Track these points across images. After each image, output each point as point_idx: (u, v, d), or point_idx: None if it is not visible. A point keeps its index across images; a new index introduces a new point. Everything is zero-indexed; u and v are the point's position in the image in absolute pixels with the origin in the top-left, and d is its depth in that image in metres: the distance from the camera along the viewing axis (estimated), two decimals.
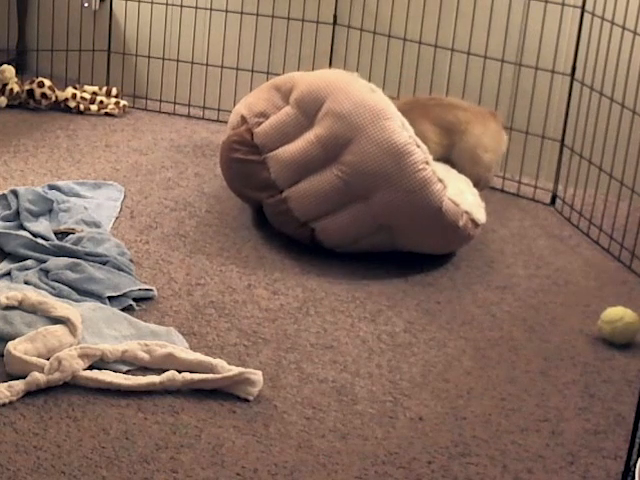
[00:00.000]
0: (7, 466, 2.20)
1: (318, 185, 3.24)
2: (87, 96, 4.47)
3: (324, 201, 3.24)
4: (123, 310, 2.87)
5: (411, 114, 3.58)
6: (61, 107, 4.45)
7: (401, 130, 3.19)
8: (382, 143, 3.17)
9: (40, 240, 3.13)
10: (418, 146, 3.19)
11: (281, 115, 3.36)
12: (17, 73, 4.52)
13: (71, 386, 2.49)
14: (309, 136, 3.28)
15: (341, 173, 3.21)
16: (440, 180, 3.20)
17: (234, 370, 2.55)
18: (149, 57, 4.63)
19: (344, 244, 3.29)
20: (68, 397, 2.46)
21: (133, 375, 2.56)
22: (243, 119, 3.45)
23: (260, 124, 3.39)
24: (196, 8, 4.52)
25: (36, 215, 3.32)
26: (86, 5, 4.74)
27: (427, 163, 3.19)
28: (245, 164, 3.41)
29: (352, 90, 3.26)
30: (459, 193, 3.41)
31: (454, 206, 3.23)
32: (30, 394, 2.45)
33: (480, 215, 3.36)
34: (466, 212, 3.27)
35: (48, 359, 2.52)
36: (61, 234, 3.25)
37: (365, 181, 3.19)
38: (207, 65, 4.58)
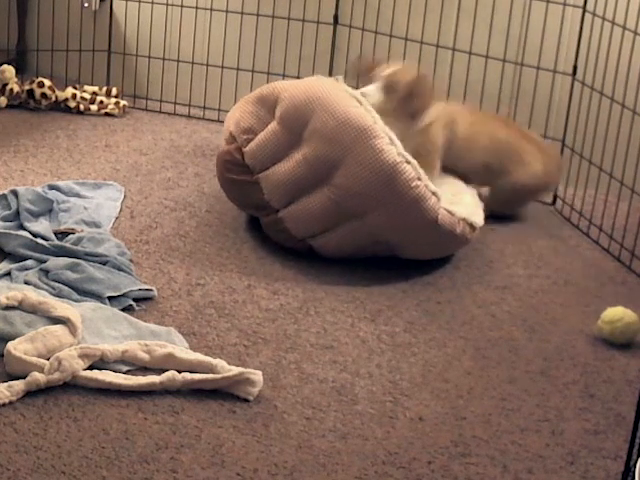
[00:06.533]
0: (7, 466, 2.20)
1: (312, 206, 3.20)
2: (87, 96, 4.47)
3: (319, 220, 3.21)
4: (123, 310, 2.87)
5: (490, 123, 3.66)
6: (61, 107, 4.45)
7: (389, 148, 3.12)
8: (371, 164, 3.11)
9: (40, 240, 3.12)
10: (408, 162, 3.13)
11: (268, 133, 3.30)
12: (17, 73, 4.52)
13: (71, 386, 2.49)
14: (298, 156, 3.22)
15: (333, 195, 3.17)
16: (434, 193, 3.16)
17: (234, 370, 2.55)
18: (149, 57, 4.63)
19: (343, 256, 3.27)
20: (68, 397, 2.46)
21: (133, 375, 2.56)
22: (232, 136, 3.40)
23: (249, 141, 3.34)
24: (196, 8, 4.52)
25: (36, 215, 3.32)
26: (86, 5, 4.74)
27: (419, 179, 3.13)
28: (239, 184, 3.39)
29: (336, 106, 3.17)
30: (457, 193, 3.41)
31: (450, 216, 3.20)
32: (30, 394, 2.45)
33: (477, 218, 3.34)
34: (462, 219, 3.25)
35: (48, 359, 2.52)
36: (61, 234, 3.25)
37: (358, 202, 3.15)
38: (207, 65, 4.57)
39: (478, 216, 3.36)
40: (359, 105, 3.19)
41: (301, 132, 3.22)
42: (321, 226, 3.22)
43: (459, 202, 3.37)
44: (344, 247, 3.24)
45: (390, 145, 3.13)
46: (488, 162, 3.65)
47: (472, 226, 3.30)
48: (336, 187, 3.16)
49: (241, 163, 3.35)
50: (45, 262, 3.02)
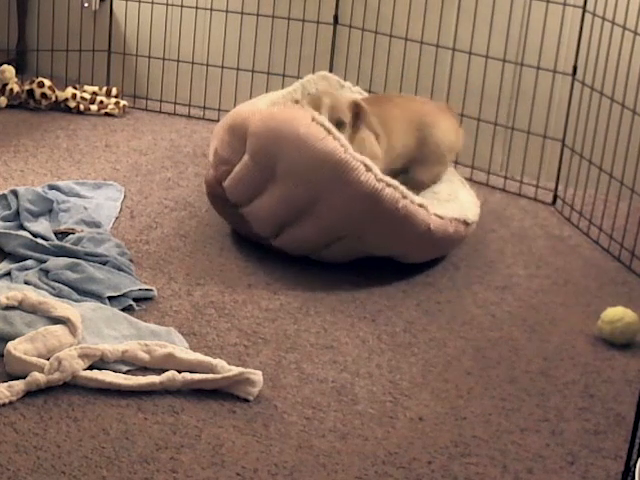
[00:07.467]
0: (7, 466, 2.20)
1: (303, 234, 3.17)
2: (87, 96, 4.47)
3: (315, 242, 3.18)
4: (123, 310, 2.87)
5: (383, 108, 3.45)
6: (61, 107, 4.45)
7: (367, 177, 3.04)
8: (352, 199, 3.06)
9: (40, 240, 3.13)
10: (389, 185, 3.06)
11: (242, 167, 3.23)
12: (17, 73, 4.52)
13: (71, 386, 2.49)
14: (275, 193, 3.16)
15: (321, 222, 3.13)
16: (421, 205, 3.13)
17: (234, 370, 2.55)
18: (149, 57, 4.63)
19: (347, 262, 3.27)
20: (68, 397, 2.46)
21: (133, 375, 2.56)
22: (213, 163, 3.37)
23: (227, 173, 3.29)
24: (196, 8, 4.51)
25: (36, 215, 3.32)
26: (86, 5, 4.74)
27: (404, 197, 3.09)
28: (227, 216, 3.41)
29: (305, 142, 3.06)
30: (452, 192, 3.42)
31: (441, 220, 3.19)
32: (30, 394, 2.45)
33: (470, 214, 3.33)
34: (454, 219, 3.24)
35: (48, 359, 2.53)
36: (61, 234, 3.25)
37: (349, 228, 3.13)
38: (207, 65, 4.57)
39: (471, 211, 3.35)
40: (327, 134, 3.08)
41: (273, 167, 3.14)
42: (318, 244, 3.19)
43: (454, 200, 3.38)
44: (342, 259, 3.24)
45: (367, 173, 3.05)
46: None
47: (465, 222, 3.29)
48: (322, 218, 3.13)
49: (224, 197, 3.33)
50: (45, 262, 3.02)
